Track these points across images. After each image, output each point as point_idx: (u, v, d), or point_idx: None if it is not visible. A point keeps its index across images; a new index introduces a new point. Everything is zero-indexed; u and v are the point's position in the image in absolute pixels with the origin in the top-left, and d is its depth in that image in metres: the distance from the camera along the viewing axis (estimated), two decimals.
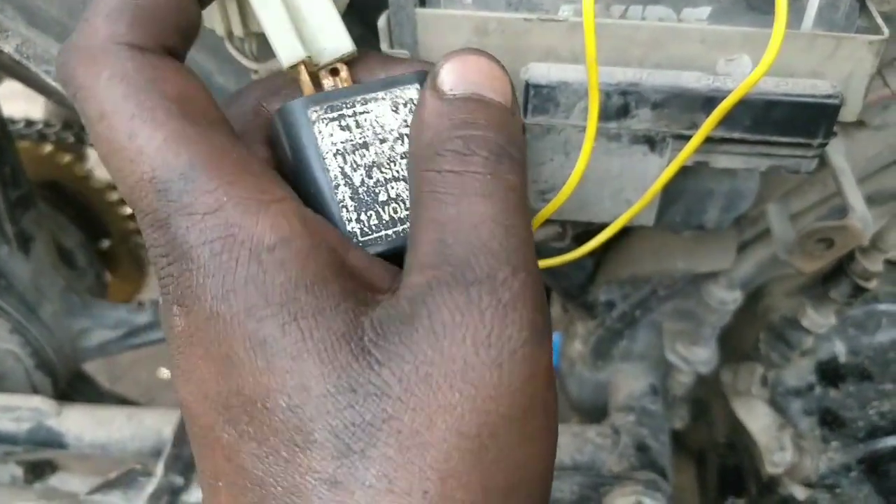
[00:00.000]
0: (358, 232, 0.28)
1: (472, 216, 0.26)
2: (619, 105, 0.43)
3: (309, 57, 0.33)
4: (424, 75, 0.30)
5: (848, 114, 0.44)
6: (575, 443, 0.72)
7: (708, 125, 0.40)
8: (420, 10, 0.43)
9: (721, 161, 0.45)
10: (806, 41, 0.42)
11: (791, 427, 0.66)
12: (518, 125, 0.30)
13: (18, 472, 0.72)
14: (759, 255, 0.63)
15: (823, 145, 0.43)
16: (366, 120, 0.29)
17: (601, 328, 0.74)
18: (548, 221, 0.53)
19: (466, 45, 0.44)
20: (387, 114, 0.30)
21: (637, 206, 0.44)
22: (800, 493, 0.66)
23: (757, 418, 0.66)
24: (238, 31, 0.45)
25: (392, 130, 0.30)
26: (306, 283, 0.26)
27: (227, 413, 0.26)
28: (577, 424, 0.74)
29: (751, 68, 0.43)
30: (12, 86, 0.86)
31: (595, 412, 0.81)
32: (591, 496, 0.71)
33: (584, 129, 0.44)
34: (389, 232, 0.29)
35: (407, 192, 0.28)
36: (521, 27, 0.43)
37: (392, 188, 0.29)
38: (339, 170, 0.29)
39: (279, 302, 0.25)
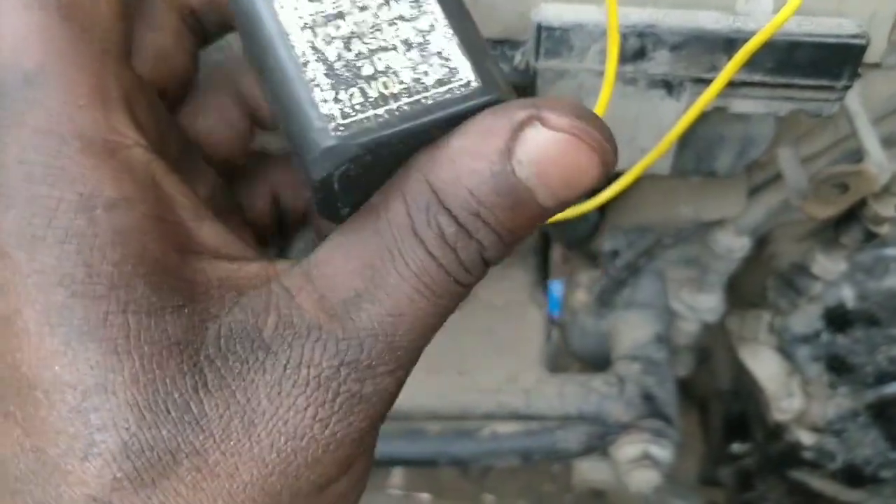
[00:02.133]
0: (338, 114, 0.22)
1: (407, 303, 0.21)
2: (635, 48, 0.41)
3: None
4: None
5: (871, 55, 0.43)
6: (580, 392, 0.71)
7: (731, 67, 0.38)
8: None
9: (740, 105, 0.44)
10: None
11: (799, 373, 0.66)
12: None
13: None
14: (768, 201, 0.62)
15: (847, 88, 0.42)
16: None
17: (605, 277, 0.73)
18: None
19: None
20: None
21: (654, 153, 0.43)
22: (806, 438, 0.66)
23: (764, 365, 0.66)
24: None
25: None
26: (147, 270, 0.21)
27: None
28: (582, 374, 0.74)
29: (771, 7, 0.41)
30: None
31: (597, 361, 0.80)
32: (598, 445, 0.71)
33: (599, 73, 0.42)
34: (380, 111, 0.22)
35: (401, 64, 0.23)
36: None
37: (379, 60, 0.23)
38: (309, 45, 0.23)
39: (108, 284, 0.21)
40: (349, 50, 0.23)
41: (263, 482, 0.21)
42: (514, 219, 0.21)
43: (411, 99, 0.22)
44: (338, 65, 0.23)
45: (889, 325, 0.65)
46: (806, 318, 0.67)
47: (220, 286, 0.22)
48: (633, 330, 0.74)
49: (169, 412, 0.21)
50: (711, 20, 0.40)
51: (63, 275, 0.20)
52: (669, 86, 0.43)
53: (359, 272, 0.21)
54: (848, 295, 0.66)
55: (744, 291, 0.72)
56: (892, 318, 0.64)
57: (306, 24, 0.23)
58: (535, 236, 0.81)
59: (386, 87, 0.22)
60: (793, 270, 0.65)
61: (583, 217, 0.69)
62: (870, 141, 0.51)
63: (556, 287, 0.83)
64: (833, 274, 0.62)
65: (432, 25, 0.23)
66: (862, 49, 0.40)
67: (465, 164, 0.21)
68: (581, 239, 0.70)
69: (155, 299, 0.21)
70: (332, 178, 0.22)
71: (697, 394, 0.87)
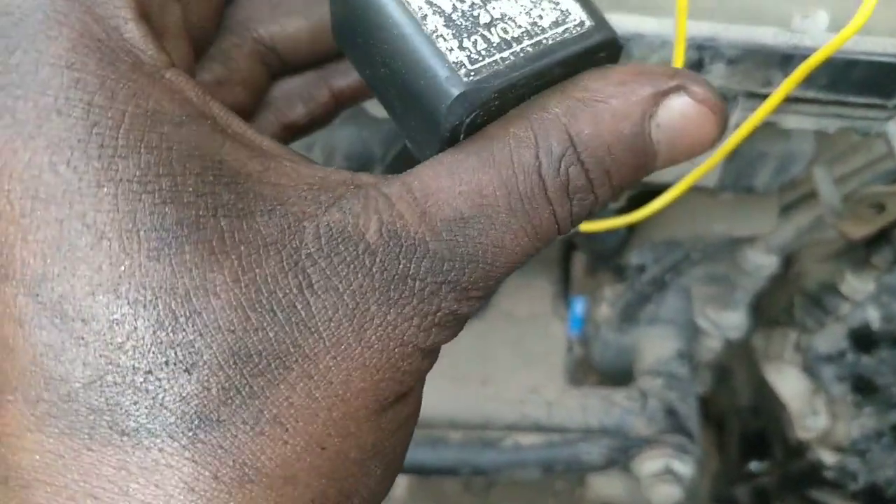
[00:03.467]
0: (466, 60, 0.22)
1: (511, 239, 0.21)
2: (693, 59, 0.42)
3: None
4: None
5: None
6: (603, 406, 0.72)
7: (790, 83, 0.39)
8: None
9: (791, 121, 0.44)
10: None
11: (824, 392, 0.66)
12: None
13: None
14: (799, 220, 0.63)
15: None
16: None
17: (630, 291, 0.74)
18: None
19: None
20: None
21: (705, 165, 0.43)
22: (828, 457, 0.66)
23: (789, 383, 0.66)
24: None
25: None
26: (229, 179, 0.20)
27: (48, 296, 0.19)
28: (604, 388, 0.74)
29: (826, 24, 0.42)
30: None
31: (618, 375, 0.80)
32: (620, 458, 0.71)
33: None
34: (506, 54, 0.22)
35: (514, 10, 0.23)
36: None
37: (493, 8, 0.23)
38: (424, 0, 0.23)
39: (195, 191, 0.20)
40: (462, 1, 0.23)
41: (375, 388, 0.21)
42: (632, 176, 0.22)
43: (532, 41, 0.22)
44: (454, 15, 0.23)
45: None
46: (831, 338, 0.67)
47: (311, 188, 0.21)
48: (656, 346, 0.74)
49: (275, 312, 0.19)
50: (769, 36, 0.41)
51: (147, 183, 0.19)
52: (724, 98, 0.43)
53: (467, 196, 0.21)
54: (873, 316, 0.66)
55: (768, 310, 0.73)
56: None
57: None
58: (558, 247, 0.82)
59: (506, 32, 0.22)
60: (821, 289, 0.65)
61: (613, 230, 0.70)
62: None
63: (578, 304, 0.83)
64: (862, 294, 0.63)
65: None
66: None
67: (609, 122, 0.21)
68: (609, 252, 0.70)
69: (242, 204, 0.20)
70: (462, 124, 0.22)
71: (715, 411, 0.87)
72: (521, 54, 0.22)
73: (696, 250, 0.68)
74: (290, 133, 0.30)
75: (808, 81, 0.41)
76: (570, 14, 0.23)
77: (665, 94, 0.21)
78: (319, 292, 0.20)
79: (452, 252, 0.21)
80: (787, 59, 0.41)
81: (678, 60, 0.37)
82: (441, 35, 0.22)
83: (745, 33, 0.41)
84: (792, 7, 0.41)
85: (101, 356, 0.19)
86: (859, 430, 0.66)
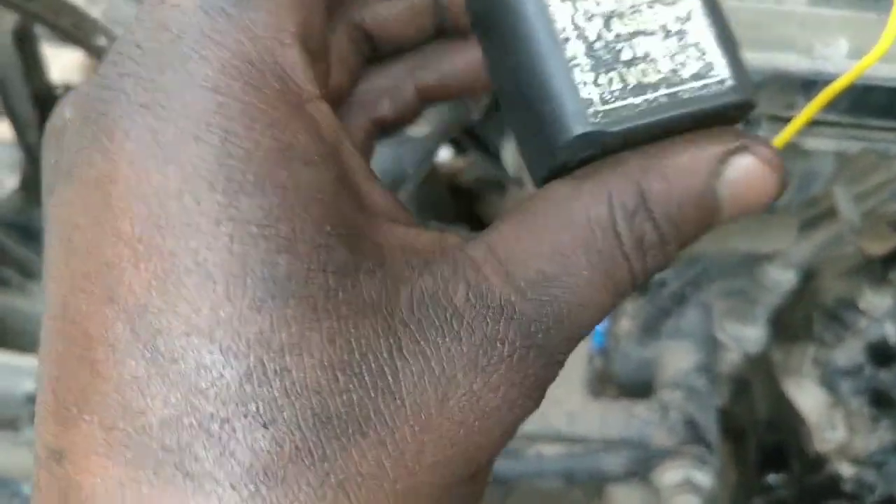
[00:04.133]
0: (597, 99, 0.21)
1: (593, 296, 0.21)
2: None
3: None
4: None
5: None
6: (622, 418, 0.73)
7: (811, 109, 0.40)
8: None
9: (812, 143, 0.46)
10: None
11: (842, 406, 0.67)
12: None
13: None
14: (818, 236, 0.64)
15: None
16: None
17: (650, 305, 0.75)
18: None
19: None
20: None
21: None
22: (846, 470, 0.67)
23: (808, 397, 0.67)
24: None
25: None
26: (344, 231, 0.20)
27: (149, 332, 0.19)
28: (625, 400, 0.76)
29: (846, 51, 0.43)
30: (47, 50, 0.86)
31: (638, 387, 0.82)
32: (640, 469, 0.72)
33: None
34: (639, 101, 0.21)
35: (659, 52, 0.22)
36: None
37: (638, 44, 0.22)
38: (570, 19, 0.22)
39: (311, 242, 0.19)
40: (609, 29, 0.22)
41: (447, 464, 0.20)
42: (698, 231, 0.23)
43: (669, 91, 0.21)
44: (598, 45, 0.22)
45: None
46: (849, 352, 0.69)
47: (405, 251, 0.21)
48: (676, 359, 0.76)
49: (363, 376, 0.19)
50: (792, 61, 0.43)
51: (266, 227, 0.19)
52: (747, 121, 0.45)
53: (548, 256, 0.21)
54: (891, 331, 0.68)
55: (787, 324, 0.74)
56: None
57: None
58: None
59: (644, 75, 0.22)
60: (839, 305, 0.67)
61: None
62: None
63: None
64: (880, 309, 0.64)
65: (690, 13, 0.22)
66: None
67: (679, 178, 0.22)
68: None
69: (351, 261, 0.20)
70: (575, 160, 0.22)
71: (733, 424, 0.89)
72: (654, 104, 0.21)
73: (716, 265, 0.70)
74: (379, 129, 0.30)
75: (829, 106, 0.43)
76: (713, 68, 0.22)
77: (732, 152, 0.22)
78: (409, 357, 0.20)
79: (539, 312, 0.21)
80: (809, 85, 0.42)
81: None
82: (579, 64, 0.21)
83: (768, 59, 0.43)
84: (814, 36, 0.43)
85: (183, 397, 0.19)
86: (877, 443, 0.67)
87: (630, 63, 0.22)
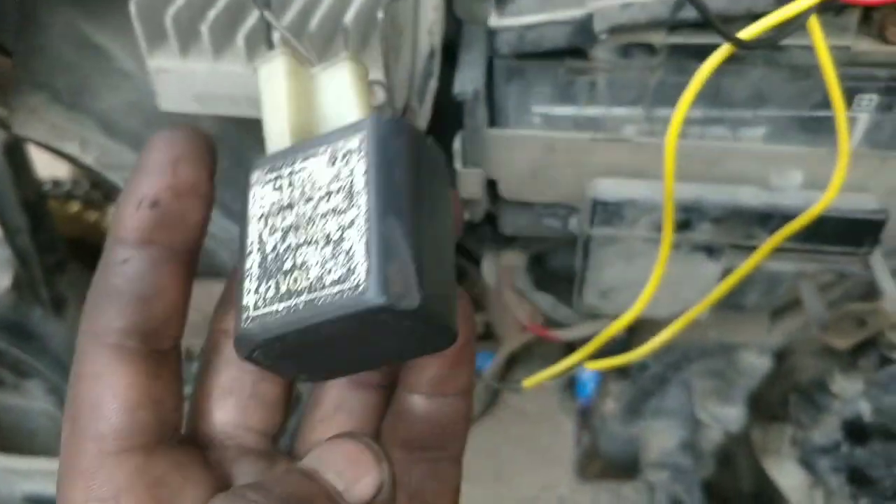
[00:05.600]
0: (251, 304, 0.23)
1: None
2: (681, 220, 0.46)
3: None
4: (377, 122, 0.24)
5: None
6: (612, 500, 0.75)
7: (768, 246, 0.43)
8: (492, 131, 0.46)
9: (773, 266, 0.48)
10: (853, 158, 0.45)
11: (822, 485, 0.69)
12: None
13: None
14: (789, 325, 0.66)
15: (869, 253, 0.46)
16: (299, 178, 0.24)
17: (633, 387, 0.77)
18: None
19: (534, 162, 0.47)
20: (321, 168, 0.24)
21: (695, 310, 0.47)
22: None
23: (788, 477, 0.69)
24: None
25: (321, 187, 0.24)
26: None
27: None
28: (613, 481, 0.77)
29: (800, 181, 0.46)
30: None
31: (625, 465, 0.83)
32: None
33: (646, 239, 0.47)
34: (281, 307, 0.23)
35: (314, 258, 0.23)
36: (587, 146, 0.46)
37: (300, 254, 0.23)
38: (258, 235, 0.24)
39: None
40: (284, 241, 0.24)
41: None
42: None
43: (309, 297, 0.22)
44: (270, 256, 0.24)
45: None
46: (826, 430, 0.71)
47: None
48: (660, 438, 0.78)
49: None
50: (750, 196, 0.45)
51: None
52: (710, 250, 0.47)
53: None
54: (865, 408, 0.70)
55: (765, 404, 0.76)
56: None
57: (263, 213, 0.24)
58: (560, 347, 0.85)
59: (296, 282, 0.23)
60: (813, 387, 0.69)
61: (614, 336, 0.74)
62: (885, 280, 0.56)
63: (584, 372, 0.86)
64: (852, 392, 0.67)
65: (353, 221, 0.23)
66: (882, 223, 0.45)
67: None
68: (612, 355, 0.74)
69: None
70: (252, 357, 0.24)
71: (719, 495, 0.90)
72: (292, 310, 0.22)
73: (694, 348, 0.72)
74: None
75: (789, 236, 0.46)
76: (353, 272, 0.22)
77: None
78: None
79: None
80: (766, 217, 0.45)
81: (667, 233, 0.41)
82: (251, 274, 0.24)
83: (727, 194, 0.45)
84: (769, 167, 0.46)
85: None
86: None
87: (288, 272, 0.23)
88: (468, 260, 0.64)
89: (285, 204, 0.24)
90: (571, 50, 0.42)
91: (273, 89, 0.26)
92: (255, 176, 0.25)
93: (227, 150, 0.54)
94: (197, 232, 0.25)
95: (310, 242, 0.23)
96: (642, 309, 0.45)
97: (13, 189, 0.81)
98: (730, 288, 0.45)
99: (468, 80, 0.44)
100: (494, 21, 0.41)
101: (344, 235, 0.22)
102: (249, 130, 0.41)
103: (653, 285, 0.42)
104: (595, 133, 0.46)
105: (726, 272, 0.48)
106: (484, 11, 0.42)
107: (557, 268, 0.61)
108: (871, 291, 0.58)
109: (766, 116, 0.44)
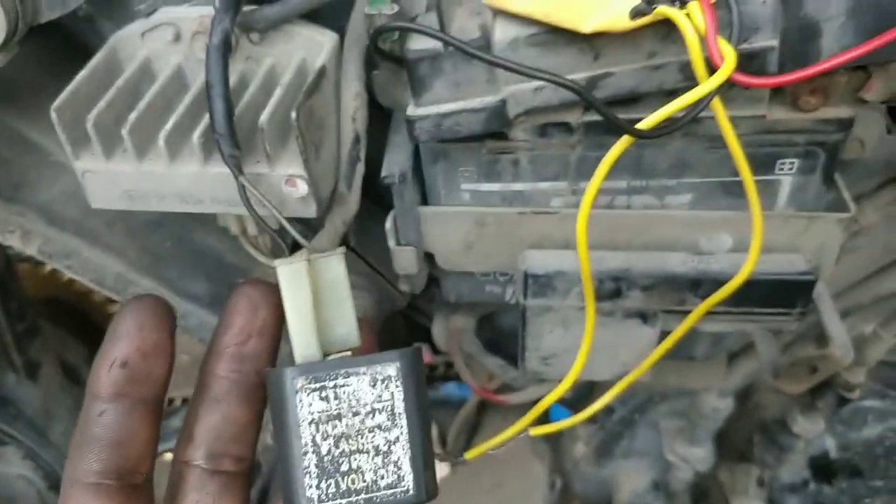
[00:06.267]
0: (315, 498, 0.31)
1: None
2: (611, 289, 0.46)
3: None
4: (407, 355, 0.32)
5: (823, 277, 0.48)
6: None
7: (697, 313, 0.44)
8: (423, 208, 0.46)
9: (709, 327, 0.49)
10: (780, 221, 0.45)
11: None
12: None
13: None
14: (746, 367, 0.67)
15: (803, 314, 0.47)
16: (344, 392, 0.31)
17: (602, 430, 0.77)
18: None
19: (467, 236, 0.47)
20: (364, 388, 0.32)
21: (634, 373, 0.47)
22: None
23: None
24: (252, 230, 0.48)
25: (366, 405, 0.31)
26: None
27: None
28: None
29: (730, 244, 0.46)
30: None
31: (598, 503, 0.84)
32: None
33: (579, 308, 0.48)
34: (344, 501, 0.31)
35: (368, 465, 0.31)
36: (517, 219, 0.46)
37: (355, 460, 0.31)
38: (311, 437, 0.31)
39: None
40: (337, 447, 0.31)
41: None
42: None
43: (367, 496, 0.31)
44: (326, 459, 0.31)
45: (871, 476, 0.69)
46: (793, 468, 0.71)
47: None
48: (631, 479, 0.78)
49: None
50: (678, 262, 0.46)
51: None
52: (644, 315, 0.48)
53: None
54: (831, 444, 0.70)
55: (732, 441, 0.76)
56: (873, 469, 0.68)
57: (314, 419, 0.31)
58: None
59: (353, 483, 0.31)
60: (776, 428, 0.69)
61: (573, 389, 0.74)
62: (834, 325, 0.56)
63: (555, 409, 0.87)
64: (813, 433, 0.67)
65: (398, 437, 0.31)
66: (812, 283, 0.45)
67: None
68: (575, 401, 0.74)
69: None
70: None
71: None
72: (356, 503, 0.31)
73: (658, 393, 0.72)
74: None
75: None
76: (403, 479, 0.31)
77: None
78: None
79: None
80: (696, 283, 0.46)
81: (590, 310, 0.42)
82: (309, 472, 0.31)
83: (656, 262, 0.46)
84: (698, 232, 0.46)
85: None
86: None
87: (346, 473, 0.31)
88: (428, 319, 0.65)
89: (334, 413, 0.31)
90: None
91: (296, 293, 0.33)
92: (299, 383, 0.31)
93: (168, 233, 0.55)
94: (162, 384, 0.31)
95: (361, 451, 0.31)
96: (578, 375, 0.45)
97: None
98: (666, 351, 0.46)
99: (395, 164, 0.45)
100: (411, 111, 0.41)
101: (391, 449, 0.31)
102: (189, 213, 0.42)
103: (583, 354, 0.43)
104: (523, 207, 0.46)
105: (665, 334, 0.49)
106: (405, 98, 0.43)
107: (507, 328, 0.61)
108: (823, 333, 0.59)
109: (691, 183, 0.45)
